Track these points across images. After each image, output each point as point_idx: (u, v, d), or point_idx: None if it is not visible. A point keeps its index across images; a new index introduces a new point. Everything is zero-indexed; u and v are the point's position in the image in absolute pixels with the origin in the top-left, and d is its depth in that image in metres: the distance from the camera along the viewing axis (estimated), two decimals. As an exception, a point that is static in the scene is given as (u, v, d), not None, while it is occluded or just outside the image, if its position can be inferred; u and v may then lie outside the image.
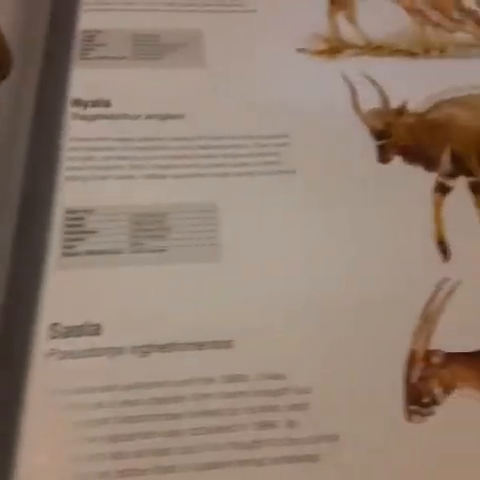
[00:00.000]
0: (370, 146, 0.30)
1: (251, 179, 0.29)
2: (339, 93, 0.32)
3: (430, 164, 0.30)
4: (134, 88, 0.32)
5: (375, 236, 0.28)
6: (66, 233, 0.26)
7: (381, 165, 0.30)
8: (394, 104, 0.31)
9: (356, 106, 0.31)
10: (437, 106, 0.32)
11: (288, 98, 0.32)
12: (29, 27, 0.33)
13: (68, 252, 0.26)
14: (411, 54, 0.34)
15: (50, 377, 0.23)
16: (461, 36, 0.36)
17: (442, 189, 0.29)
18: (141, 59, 0.33)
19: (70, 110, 0.30)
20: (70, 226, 0.27)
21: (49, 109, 0.30)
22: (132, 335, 0.24)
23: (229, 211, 0.28)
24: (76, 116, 0.30)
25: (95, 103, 0.31)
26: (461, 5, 0.37)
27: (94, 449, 0.22)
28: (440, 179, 0.29)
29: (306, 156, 0.30)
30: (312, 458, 0.22)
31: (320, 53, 0.34)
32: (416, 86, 0.32)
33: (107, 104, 0.31)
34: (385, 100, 0.32)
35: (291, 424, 0.23)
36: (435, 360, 0.24)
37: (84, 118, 0.30)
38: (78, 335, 0.24)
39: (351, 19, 0.36)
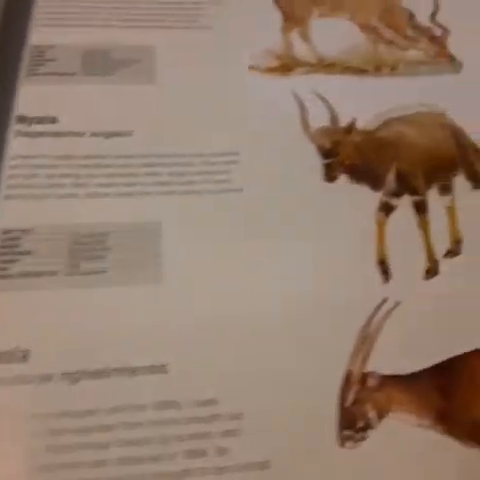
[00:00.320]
0: (317, 164, 0.30)
1: (198, 197, 0.29)
2: (289, 111, 0.32)
3: (376, 183, 0.30)
4: (82, 104, 0.31)
5: (316, 255, 0.27)
6: (0, 254, 0.26)
7: (327, 184, 0.30)
8: (343, 122, 0.31)
9: (305, 124, 0.31)
10: (386, 124, 0.31)
11: (239, 115, 0.32)
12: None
13: (1, 274, 0.25)
14: (362, 71, 0.34)
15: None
16: (412, 53, 0.36)
17: (386, 208, 0.29)
18: (91, 75, 0.33)
19: (14, 127, 0.30)
20: (4, 247, 0.26)
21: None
22: (63, 361, 0.23)
23: (173, 230, 0.27)
24: (19, 133, 0.30)
25: (40, 120, 0.30)
26: (415, 23, 0.37)
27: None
28: (384, 198, 0.29)
29: (254, 174, 0.30)
30: (242, 487, 0.22)
31: (272, 70, 0.34)
32: (365, 104, 0.32)
33: (53, 121, 0.30)
34: (334, 118, 0.31)
35: (221, 452, 0.22)
36: (371, 382, 0.24)
37: (27, 135, 0.30)
38: (7, 361, 0.23)
39: (305, 36, 0.36)
